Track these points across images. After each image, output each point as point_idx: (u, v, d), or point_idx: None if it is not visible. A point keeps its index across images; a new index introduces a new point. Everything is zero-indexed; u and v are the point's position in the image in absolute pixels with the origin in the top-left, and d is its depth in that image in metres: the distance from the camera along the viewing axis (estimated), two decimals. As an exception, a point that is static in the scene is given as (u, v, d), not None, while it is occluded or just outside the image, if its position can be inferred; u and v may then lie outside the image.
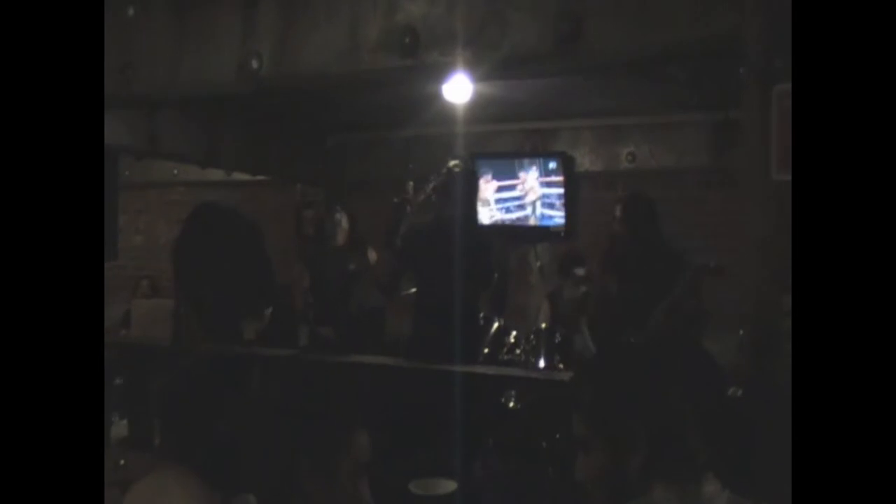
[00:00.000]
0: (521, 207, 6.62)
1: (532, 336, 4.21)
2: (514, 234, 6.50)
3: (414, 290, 4.18)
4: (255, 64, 4.19)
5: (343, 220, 5.80)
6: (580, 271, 5.33)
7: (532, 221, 6.59)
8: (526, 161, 6.59)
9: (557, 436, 3.85)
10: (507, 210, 6.70)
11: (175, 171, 7.47)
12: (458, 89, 4.98)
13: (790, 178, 1.60)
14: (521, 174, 6.59)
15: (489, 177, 6.60)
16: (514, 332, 4.35)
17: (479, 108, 5.56)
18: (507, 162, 6.70)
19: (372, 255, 5.62)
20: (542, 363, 4.06)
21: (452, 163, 4.23)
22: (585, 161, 6.54)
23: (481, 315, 4.21)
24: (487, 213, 6.61)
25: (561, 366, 4.05)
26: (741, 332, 2.89)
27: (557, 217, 6.49)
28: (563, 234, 6.47)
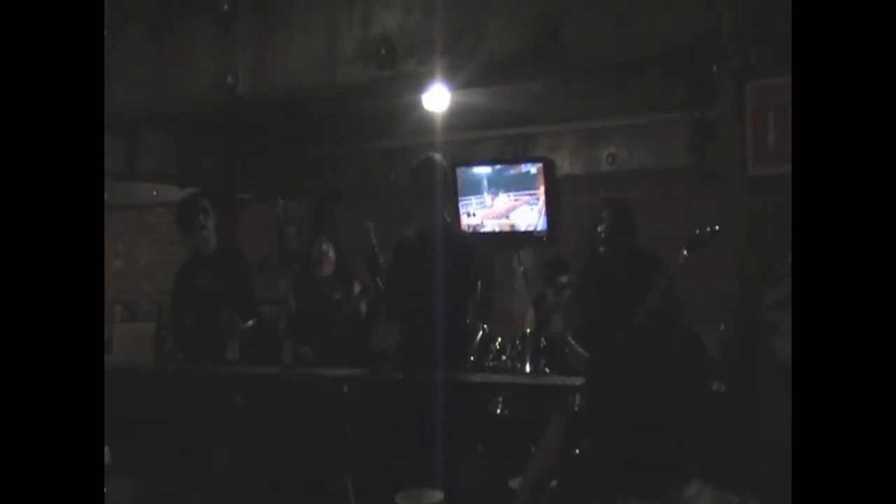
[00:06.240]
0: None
1: (518, 341, 4.18)
2: (497, 240, 6.49)
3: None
4: (230, 80, 4.18)
5: (330, 252, 5.66)
6: (564, 279, 5.32)
7: (514, 227, 6.60)
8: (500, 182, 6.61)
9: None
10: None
11: (154, 193, 7.43)
12: (437, 98, 4.97)
13: (766, 173, 1.60)
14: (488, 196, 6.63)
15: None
16: (499, 338, 4.32)
17: (458, 116, 5.56)
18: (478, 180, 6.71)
19: (357, 288, 5.54)
20: (528, 368, 4.03)
21: (416, 161, 4.12)
22: (566, 165, 6.55)
23: (466, 322, 4.18)
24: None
25: (547, 370, 4.02)
26: (721, 326, 2.88)
27: (540, 222, 6.49)
28: (545, 238, 6.47)
